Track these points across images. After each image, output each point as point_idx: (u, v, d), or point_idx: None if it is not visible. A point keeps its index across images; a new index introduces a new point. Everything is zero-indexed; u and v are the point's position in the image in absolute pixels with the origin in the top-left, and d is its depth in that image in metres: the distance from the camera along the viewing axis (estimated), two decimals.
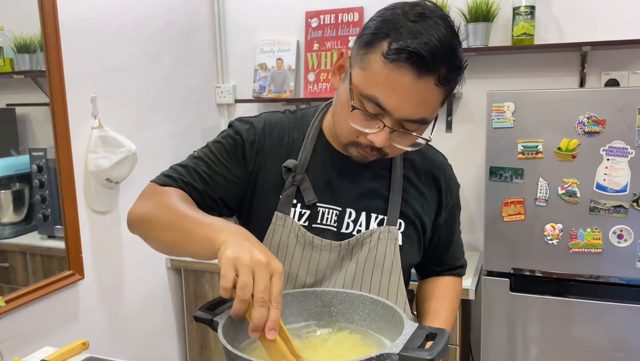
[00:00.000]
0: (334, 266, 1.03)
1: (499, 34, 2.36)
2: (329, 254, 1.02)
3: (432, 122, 0.95)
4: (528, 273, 1.96)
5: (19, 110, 1.86)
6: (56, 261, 1.92)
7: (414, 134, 0.92)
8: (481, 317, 2.07)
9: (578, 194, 1.87)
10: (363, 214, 1.04)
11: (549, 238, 1.91)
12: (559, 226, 1.90)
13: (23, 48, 1.80)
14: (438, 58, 0.84)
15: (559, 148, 1.87)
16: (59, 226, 1.91)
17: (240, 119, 1.09)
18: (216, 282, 2.46)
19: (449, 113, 2.48)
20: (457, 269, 1.23)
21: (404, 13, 0.87)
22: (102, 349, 1.86)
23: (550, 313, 1.95)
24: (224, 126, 2.86)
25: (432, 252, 1.16)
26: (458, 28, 0.89)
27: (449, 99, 2.44)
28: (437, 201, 1.10)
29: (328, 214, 1.03)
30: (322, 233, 1.02)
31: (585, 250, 1.88)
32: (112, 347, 2.14)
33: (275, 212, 1.02)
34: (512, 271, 1.98)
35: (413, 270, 1.20)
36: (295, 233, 1.01)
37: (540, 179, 1.90)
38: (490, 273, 2.00)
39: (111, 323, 2.16)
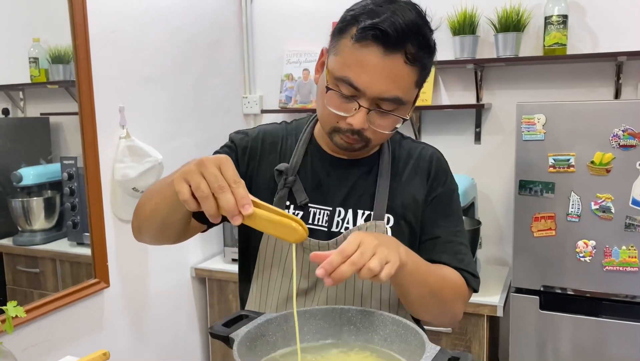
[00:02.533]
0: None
1: (530, 44, 2.31)
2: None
3: (411, 105, 0.98)
4: (559, 291, 1.89)
5: (52, 119, 1.90)
6: (84, 268, 1.94)
7: (395, 115, 0.94)
8: (509, 335, 2.00)
9: (612, 210, 1.80)
10: (350, 211, 1.05)
11: (581, 255, 1.83)
12: (592, 242, 1.83)
13: (57, 59, 1.84)
14: (403, 35, 0.88)
15: (592, 162, 1.80)
16: (88, 234, 1.93)
17: (237, 131, 1.15)
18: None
19: (478, 124, 2.43)
20: (456, 270, 1.08)
21: (372, 2, 0.93)
22: (124, 359, 1.87)
23: (583, 333, 1.87)
24: None
25: (420, 250, 1.08)
26: (425, 13, 0.95)
27: (477, 110, 2.39)
28: (425, 191, 1.08)
29: (319, 214, 1.05)
30: (313, 233, 1.03)
31: (620, 268, 1.80)
32: (135, 357, 2.14)
33: None
34: (542, 289, 1.91)
35: None
36: None
37: (572, 193, 1.83)
38: (519, 290, 1.93)
39: (134, 332, 2.17)
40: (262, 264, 1.08)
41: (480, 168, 2.45)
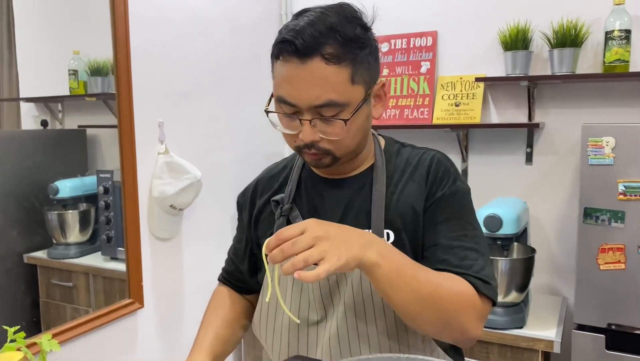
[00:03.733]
0: (331, 294, 1.00)
1: (587, 60, 2.17)
2: (319, 283, 0.99)
3: (357, 103, 0.93)
4: (628, 330, 1.73)
5: (89, 131, 1.88)
6: (117, 284, 1.90)
7: (337, 119, 0.92)
8: None
9: None
10: None
11: None
12: None
13: (96, 71, 1.83)
14: (313, 39, 0.88)
15: None
16: (122, 249, 1.90)
17: (241, 192, 1.21)
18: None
19: (529, 144, 2.30)
20: (462, 276, 0.95)
21: (293, 17, 0.95)
22: None
23: None
24: (286, 152, 2.80)
25: (422, 261, 0.97)
26: (359, 11, 0.95)
27: (528, 130, 2.26)
28: (425, 195, 1.01)
29: None
30: None
31: None
32: None
33: None
34: (607, 327, 1.76)
35: None
36: (292, 261, 0.96)
37: None
38: (582, 327, 1.78)
39: (168, 353, 2.09)
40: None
41: (531, 191, 2.31)
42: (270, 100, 0.99)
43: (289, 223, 1.05)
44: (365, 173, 1.05)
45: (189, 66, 2.12)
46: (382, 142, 1.10)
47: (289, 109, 0.93)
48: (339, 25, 0.90)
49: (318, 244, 0.79)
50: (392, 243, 0.98)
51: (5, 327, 0.87)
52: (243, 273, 1.19)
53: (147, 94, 1.92)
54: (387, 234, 0.99)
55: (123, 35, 1.77)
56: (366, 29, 0.95)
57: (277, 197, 1.08)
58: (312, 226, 0.81)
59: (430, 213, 0.99)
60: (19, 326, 0.88)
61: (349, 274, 0.99)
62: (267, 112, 0.98)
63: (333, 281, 0.99)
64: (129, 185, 1.85)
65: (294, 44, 0.88)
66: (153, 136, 1.96)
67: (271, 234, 1.03)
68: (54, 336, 1.61)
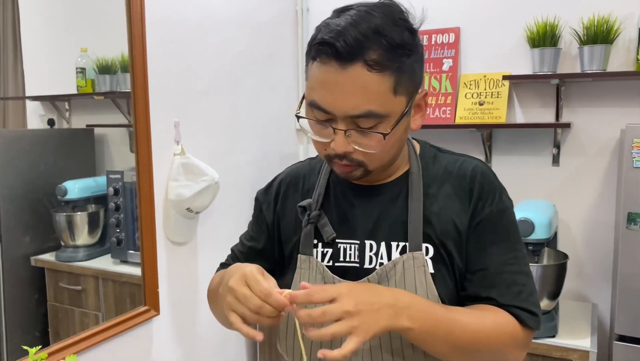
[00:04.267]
0: None
1: (618, 58, 2.09)
2: None
3: (397, 116, 0.85)
4: None
5: (97, 131, 1.83)
6: (127, 288, 1.85)
7: (374, 131, 0.84)
8: None
9: None
10: (383, 244, 0.94)
11: None
12: None
13: (104, 69, 1.78)
14: (356, 43, 0.80)
15: None
16: (132, 251, 1.85)
17: (261, 190, 1.12)
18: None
19: (556, 145, 2.22)
20: (509, 308, 0.91)
21: (334, 13, 0.86)
22: None
23: None
24: (301, 154, 2.73)
25: (464, 282, 0.93)
26: (407, 12, 0.87)
27: (555, 130, 2.18)
28: (470, 214, 0.93)
29: (350, 250, 0.96)
30: (346, 271, 0.95)
31: None
32: None
33: (298, 255, 0.99)
34: None
35: None
36: (322, 274, 0.96)
37: None
38: (622, 338, 1.70)
39: None
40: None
41: (558, 193, 2.23)
42: (301, 103, 0.90)
43: (316, 230, 0.98)
44: (399, 181, 0.97)
45: (205, 63, 2.06)
46: (417, 147, 1.01)
47: (322, 115, 0.85)
48: (385, 28, 0.81)
49: (347, 319, 0.76)
50: (432, 257, 0.92)
51: (25, 347, 0.80)
52: None
53: (163, 93, 1.85)
54: (427, 248, 0.92)
55: (139, 32, 1.71)
56: (413, 33, 0.86)
57: (304, 202, 1.00)
58: (344, 298, 0.77)
59: (476, 234, 0.92)
60: (40, 347, 0.81)
61: None
62: (297, 117, 0.90)
63: None
64: (144, 187, 1.78)
65: (335, 46, 0.80)
66: (169, 136, 1.89)
67: (297, 241, 1.00)
68: (68, 347, 1.55)
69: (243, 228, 1.16)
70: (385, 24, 0.82)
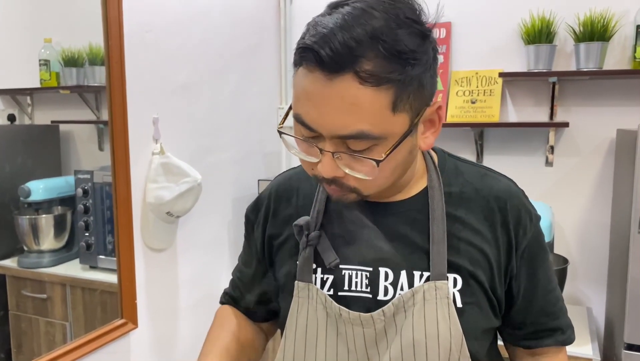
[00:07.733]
0: (376, 345, 0.82)
1: (614, 56, 2.05)
2: (363, 330, 0.81)
3: (397, 138, 0.70)
4: None
5: (62, 127, 1.72)
6: (98, 295, 1.74)
7: (366, 157, 0.70)
8: None
9: None
10: (403, 273, 0.81)
11: None
12: None
13: (70, 62, 1.66)
14: (344, 49, 0.64)
15: None
16: (103, 256, 1.74)
17: (249, 206, 1.00)
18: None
19: (550, 144, 2.17)
20: (557, 334, 0.88)
21: (325, 9, 0.71)
22: None
23: None
24: (284, 152, 2.61)
25: (510, 312, 0.87)
26: (419, 10, 0.70)
27: (549, 128, 2.13)
28: (506, 243, 0.83)
29: (357, 277, 0.83)
30: (352, 302, 0.83)
31: None
32: None
33: (296, 282, 0.86)
34: None
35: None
36: (324, 305, 0.84)
37: None
38: (631, 347, 1.65)
39: None
40: (290, 340, 0.88)
41: (552, 194, 2.18)
42: (286, 115, 0.77)
43: (316, 254, 0.85)
44: (417, 198, 0.84)
45: (185, 55, 1.92)
46: (435, 156, 0.88)
47: (307, 132, 0.71)
48: (385, 32, 0.66)
49: None
50: (460, 289, 0.81)
51: None
52: (250, 303, 1.01)
53: (141, 86, 1.71)
54: (455, 279, 0.81)
55: (116, 19, 1.56)
56: (424, 36, 0.69)
57: (300, 221, 0.86)
58: None
59: (523, 260, 0.84)
60: None
61: (399, 320, 0.81)
62: (280, 132, 0.76)
63: (380, 328, 0.81)
64: (121, 189, 1.64)
65: (319, 54, 0.65)
66: (147, 134, 1.75)
67: (294, 265, 0.88)
68: None
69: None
70: (386, 26, 0.66)
